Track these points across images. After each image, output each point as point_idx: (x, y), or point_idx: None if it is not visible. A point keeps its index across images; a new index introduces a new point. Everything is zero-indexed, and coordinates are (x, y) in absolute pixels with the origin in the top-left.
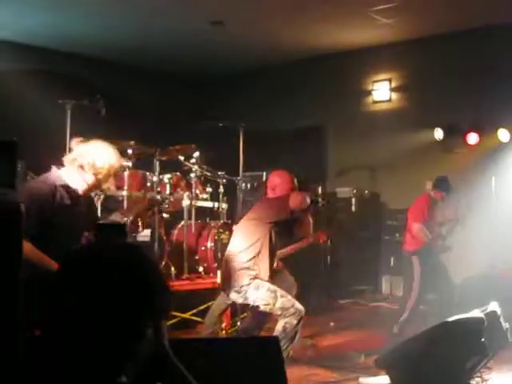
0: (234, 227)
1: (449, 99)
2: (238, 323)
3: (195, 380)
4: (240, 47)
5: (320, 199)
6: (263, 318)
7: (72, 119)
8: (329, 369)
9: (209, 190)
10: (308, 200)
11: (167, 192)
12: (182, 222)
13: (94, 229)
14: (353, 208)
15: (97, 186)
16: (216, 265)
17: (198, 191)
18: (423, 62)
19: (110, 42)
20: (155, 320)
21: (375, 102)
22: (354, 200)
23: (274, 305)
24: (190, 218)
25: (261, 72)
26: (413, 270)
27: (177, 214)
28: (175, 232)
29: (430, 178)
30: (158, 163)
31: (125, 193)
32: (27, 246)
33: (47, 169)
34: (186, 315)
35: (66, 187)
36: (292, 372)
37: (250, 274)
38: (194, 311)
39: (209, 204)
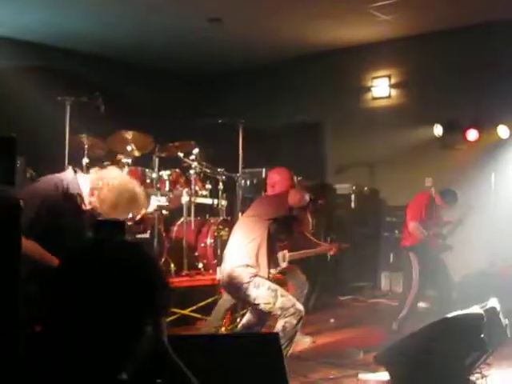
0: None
1: (448, 96)
2: (238, 320)
3: (195, 376)
4: (238, 44)
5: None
6: (264, 315)
7: (71, 116)
8: (328, 365)
9: (208, 186)
10: (307, 197)
11: (166, 189)
12: (182, 219)
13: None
14: (352, 204)
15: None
16: (215, 261)
17: (197, 188)
18: (423, 58)
19: (108, 39)
20: (155, 317)
21: (374, 99)
22: (353, 196)
23: (274, 304)
24: (189, 215)
25: (259, 69)
26: (411, 265)
27: (176, 211)
28: (175, 229)
29: (430, 175)
30: (157, 160)
31: None
32: (29, 243)
33: (46, 165)
34: (186, 312)
35: (77, 190)
36: (292, 369)
37: (250, 272)
38: (194, 308)
39: (208, 201)
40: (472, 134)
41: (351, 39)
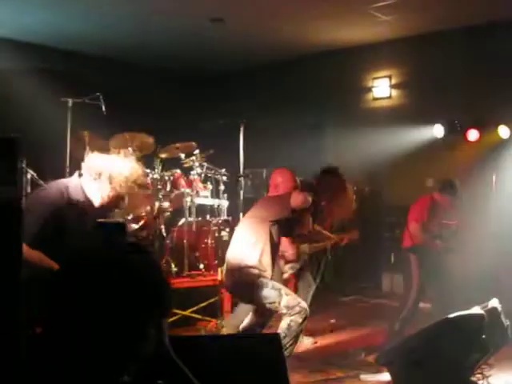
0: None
1: (449, 96)
2: None
3: (196, 377)
4: (240, 44)
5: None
6: (266, 316)
7: (72, 117)
8: (330, 366)
9: (209, 187)
10: (309, 199)
11: (168, 189)
12: (183, 220)
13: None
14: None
15: (115, 200)
16: (217, 262)
17: (198, 188)
18: (423, 58)
19: (109, 40)
20: (157, 318)
21: (375, 99)
22: (353, 197)
23: (279, 303)
24: (190, 216)
25: (260, 69)
26: (411, 267)
27: (177, 212)
28: (176, 229)
29: (431, 176)
30: (158, 161)
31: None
32: (35, 253)
33: (47, 166)
34: (187, 312)
35: (82, 197)
36: (294, 369)
37: (254, 273)
38: (195, 308)
39: (209, 201)
40: (473, 135)
41: (352, 40)
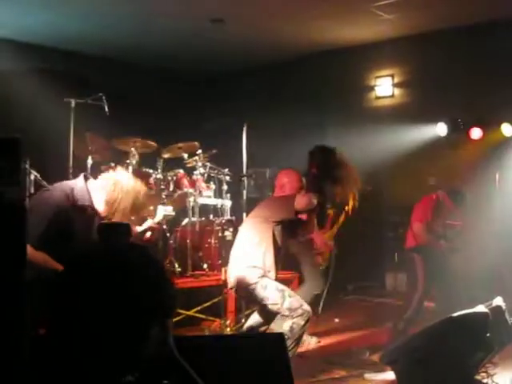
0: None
1: (452, 94)
2: (243, 320)
3: (200, 377)
4: (241, 44)
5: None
6: (270, 316)
7: (75, 117)
8: (334, 365)
9: (212, 187)
10: (314, 201)
11: (171, 189)
12: (186, 220)
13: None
14: (356, 204)
15: (117, 214)
16: (220, 262)
17: (201, 188)
18: (426, 57)
19: (109, 40)
20: (161, 318)
21: (378, 98)
22: (356, 196)
23: (281, 305)
24: (193, 216)
25: (262, 68)
26: (415, 267)
27: (180, 212)
28: (179, 229)
29: (434, 174)
30: (161, 161)
31: None
32: (40, 255)
33: (52, 168)
34: (191, 312)
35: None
36: (297, 369)
37: (257, 273)
38: (199, 308)
39: (212, 201)
40: (476, 133)
41: (354, 39)
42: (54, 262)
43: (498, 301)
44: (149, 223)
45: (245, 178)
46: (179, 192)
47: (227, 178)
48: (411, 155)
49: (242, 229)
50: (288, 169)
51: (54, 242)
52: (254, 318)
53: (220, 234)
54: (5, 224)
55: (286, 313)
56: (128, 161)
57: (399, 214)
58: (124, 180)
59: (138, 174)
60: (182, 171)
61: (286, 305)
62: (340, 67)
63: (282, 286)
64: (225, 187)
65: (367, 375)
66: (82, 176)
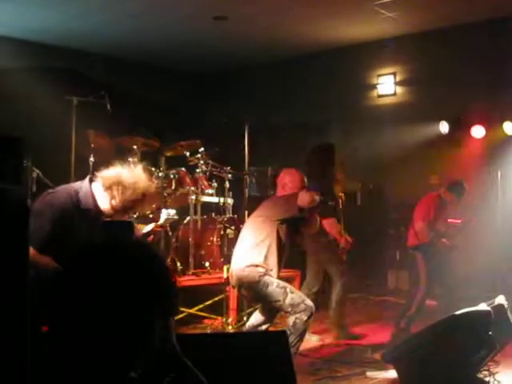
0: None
1: (454, 93)
2: (245, 318)
3: (203, 374)
4: (244, 42)
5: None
6: (272, 313)
7: (77, 115)
8: (336, 363)
9: (214, 185)
10: (317, 199)
11: (173, 188)
12: (188, 218)
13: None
14: (358, 202)
15: (123, 208)
16: (222, 260)
17: (203, 186)
18: (428, 55)
19: (111, 38)
20: (163, 316)
21: (380, 96)
22: (358, 194)
23: (283, 301)
24: (195, 214)
25: (264, 67)
26: (418, 265)
27: (182, 210)
28: (181, 227)
29: (436, 172)
30: (163, 159)
31: None
32: (44, 258)
33: (54, 166)
34: (193, 310)
35: (91, 204)
36: (299, 367)
37: (259, 271)
38: (201, 306)
39: (214, 199)
40: (478, 131)
41: (356, 37)
42: (57, 266)
43: (501, 299)
44: (152, 226)
45: (247, 176)
46: (181, 190)
47: (229, 176)
48: (413, 153)
49: (244, 228)
50: (290, 168)
51: (58, 244)
52: (256, 317)
53: (222, 232)
54: (7, 223)
55: (289, 309)
56: (130, 159)
57: (401, 211)
58: (125, 175)
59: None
60: (184, 169)
61: (288, 301)
62: (342, 65)
63: (283, 283)
64: (227, 185)
65: (369, 373)
66: (87, 179)
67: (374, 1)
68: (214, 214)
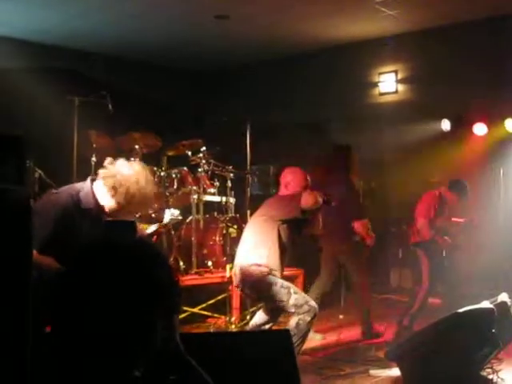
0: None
1: (456, 90)
2: (248, 317)
3: (207, 374)
4: (245, 41)
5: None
6: (275, 313)
7: (79, 115)
8: (339, 362)
9: (216, 184)
10: (320, 200)
11: (175, 187)
12: (190, 217)
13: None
14: (360, 199)
15: (123, 210)
16: (225, 259)
17: (205, 186)
18: (429, 53)
19: (112, 37)
20: (167, 315)
21: (381, 94)
22: (360, 192)
23: (287, 301)
24: (198, 213)
25: (266, 65)
26: (420, 263)
27: (185, 209)
28: (183, 227)
29: (437, 170)
30: (165, 158)
31: None
32: (46, 259)
33: (56, 166)
34: (195, 310)
35: (91, 204)
36: (303, 365)
37: (262, 271)
38: (203, 306)
39: (216, 198)
40: (480, 129)
41: (357, 35)
42: (59, 266)
43: (504, 297)
44: (156, 227)
45: (249, 175)
46: (183, 189)
47: (231, 174)
48: (415, 151)
49: (247, 227)
50: (293, 166)
51: (60, 244)
52: (260, 316)
53: (224, 232)
54: (9, 223)
55: (292, 310)
56: (132, 159)
57: (403, 209)
58: (126, 174)
59: None
60: (185, 169)
61: (292, 301)
62: (343, 63)
63: (287, 284)
64: (229, 184)
65: (372, 371)
66: (89, 179)
67: None
68: (216, 213)
